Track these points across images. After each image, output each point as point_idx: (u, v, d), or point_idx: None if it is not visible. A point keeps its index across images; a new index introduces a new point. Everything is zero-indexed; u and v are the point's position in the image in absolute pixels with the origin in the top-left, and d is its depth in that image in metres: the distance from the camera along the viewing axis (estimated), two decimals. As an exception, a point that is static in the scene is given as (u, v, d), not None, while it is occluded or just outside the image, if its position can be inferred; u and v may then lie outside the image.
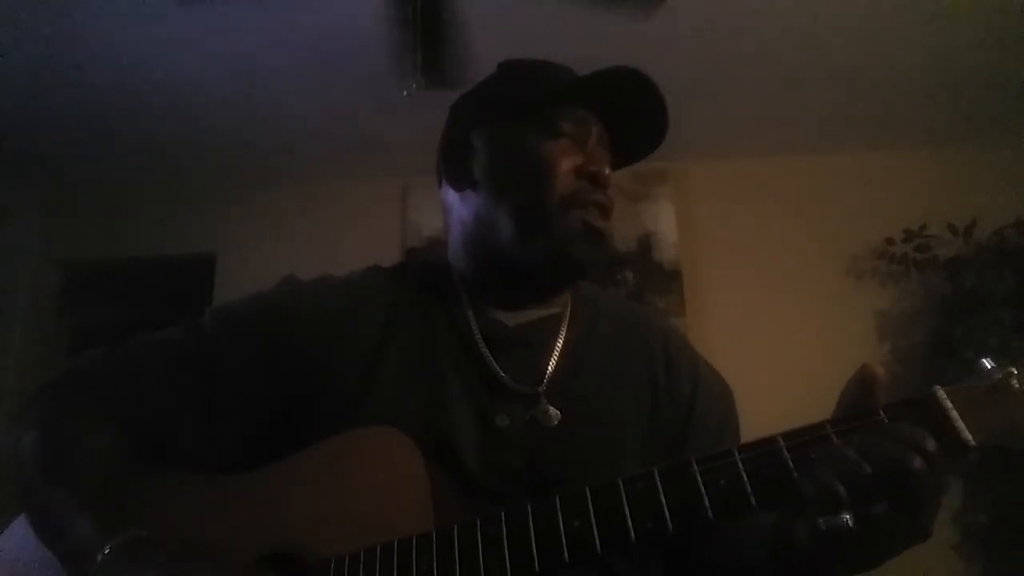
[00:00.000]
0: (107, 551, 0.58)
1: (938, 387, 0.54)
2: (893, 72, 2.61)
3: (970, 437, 0.51)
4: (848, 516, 0.49)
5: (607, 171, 0.79)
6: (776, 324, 2.86)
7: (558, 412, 0.74)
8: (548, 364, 0.78)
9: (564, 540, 0.56)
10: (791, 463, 0.53)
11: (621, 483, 0.57)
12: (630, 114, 0.82)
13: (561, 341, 0.81)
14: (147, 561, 0.58)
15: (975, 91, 2.69)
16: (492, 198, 0.81)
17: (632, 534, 0.55)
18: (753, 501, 0.53)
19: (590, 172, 0.78)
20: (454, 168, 0.86)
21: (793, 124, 2.94)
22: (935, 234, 2.81)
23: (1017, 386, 0.52)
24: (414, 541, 0.60)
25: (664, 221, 3.05)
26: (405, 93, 2.67)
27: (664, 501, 0.55)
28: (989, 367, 0.54)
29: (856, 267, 2.98)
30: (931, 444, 0.50)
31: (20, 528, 0.72)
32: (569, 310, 0.84)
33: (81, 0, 2.16)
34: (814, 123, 2.94)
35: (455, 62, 1.92)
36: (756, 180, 3.11)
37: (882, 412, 0.54)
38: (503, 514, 0.59)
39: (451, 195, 0.87)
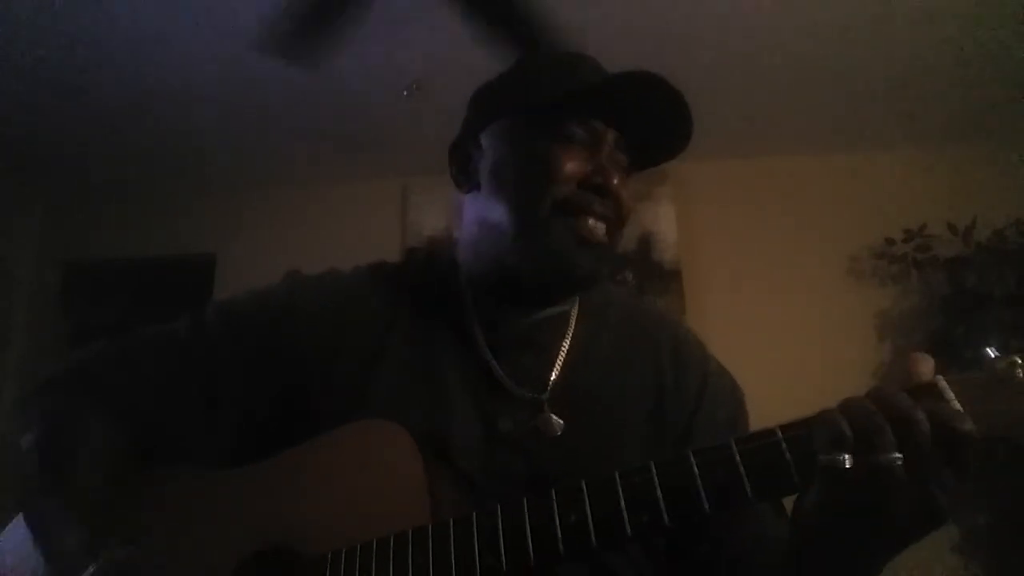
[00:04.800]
0: (91, 571, 0.59)
1: (940, 376, 0.53)
2: (893, 72, 2.61)
3: (972, 426, 0.50)
4: (846, 456, 0.49)
5: (615, 181, 0.74)
6: (776, 324, 2.86)
7: (561, 422, 0.72)
8: (552, 369, 0.76)
9: (560, 534, 0.55)
10: (788, 454, 0.53)
11: (618, 476, 0.56)
12: (651, 120, 0.76)
13: (567, 343, 0.79)
14: None
15: (975, 91, 2.69)
16: (492, 199, 0.79)
17: (628, 527, 0.54)
18: (749, 492, 0.53)
19: (594, 183, 0.74)
20: (458, 169, 0.84)
21: (793, 124, 2.94)
22: (935, 234, 2.80)
23: (1021, 375, 0.51)
24: (410, 534, 0.59)
25: (664, 221, 3.05)
26: (405, 93, 2.68)
27: (660, 494, 0.54)
28: (993, 356, 0.53)
29: (856, 267, 2.98)
30: (937, 406, 0.51)
31: (19, 527, 0.73)
32: (577, 308, 0.82)
33: (80, 2, 2.16)
34: (814, 123, 2.94)
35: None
36: (756, 180, 3.12)
37: None
38: (499, 508, 0.58)
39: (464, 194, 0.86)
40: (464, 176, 0.83)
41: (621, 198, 0.76)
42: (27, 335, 3.09)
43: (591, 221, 0.73)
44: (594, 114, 0.76)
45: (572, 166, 0.74)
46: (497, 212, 0.77)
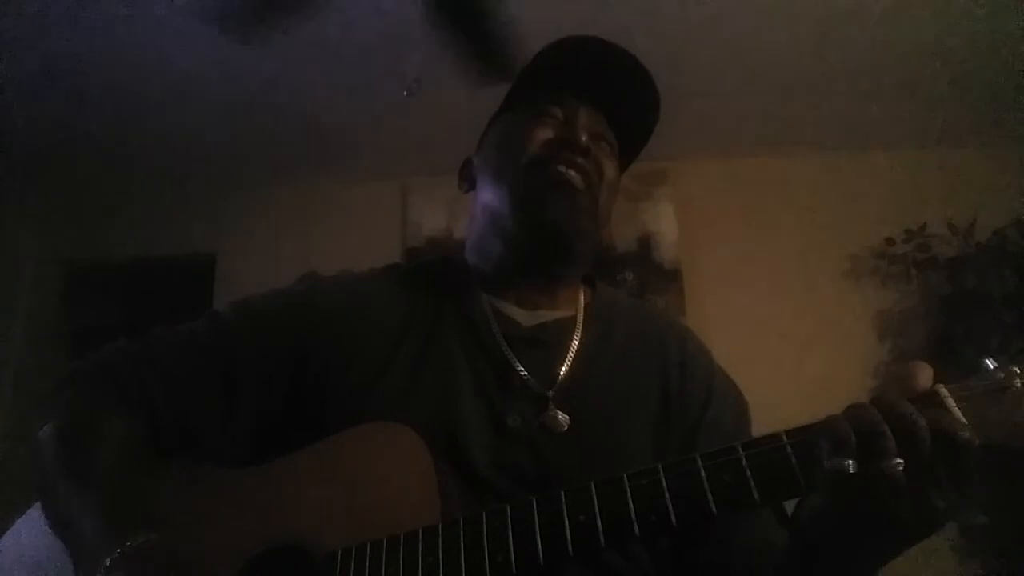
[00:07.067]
0: (113, 557, 0.59)
1: (940, 385, 0.55)
2: (893, 72, 2.61)
3: (971, 434, 0.51)
4: (851, 462, 0.50)
5: (584, 137, 0.81)
6: (776, 324, 2.86)
7: (567, 417, 0.74)
8: (561, 367, 0.78)
9: (569, 534, 0.56)
10: (794, 459, 0.54)
11: (626, 478, 0.57)
12: (618, 89, 0.84)
13: (576, 344, 0.81)
14: (148, 570, 0.58)
15: (975, 91, 2.70)
16: (484, 183, 0.87)
17: (636, 527, 0.55)
18: (756, 496, 0.54)
19: (563, 139, 0.81)
20: (462, 176, 0.92)
21: (793, 124, 2.94)
22: (935, 234, 2.81)
23: (1020, 385, 0.53)
24: (420, 533, 0.60)
25: (664, 221, 3.05)
26: (405, 93, 2.68)
27: (667, 495, 0.55)
28: (992, 367, 0.54)
29: (856, 267, 2.98)
30: (939, 414, 0.52)
31: (26, 524, 0.73)
32: (583, 314, 0.85)
33: (82, 2, 2.16)
34: (814, 123, 2.94)
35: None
36: (756, 180, 3.12)
37: None
38: (508, 508, 0.59)
39: (472, 198, 0.93)
40: (467, 181, 0.92)
41: (593, 153, 0.82)
42: (27, 335, 3.08)
43: (561, 168, 0.80)
44: (554, 85, 0.84)
45: (543, 133, 0.83)
46: (488, 193, 0.86)
